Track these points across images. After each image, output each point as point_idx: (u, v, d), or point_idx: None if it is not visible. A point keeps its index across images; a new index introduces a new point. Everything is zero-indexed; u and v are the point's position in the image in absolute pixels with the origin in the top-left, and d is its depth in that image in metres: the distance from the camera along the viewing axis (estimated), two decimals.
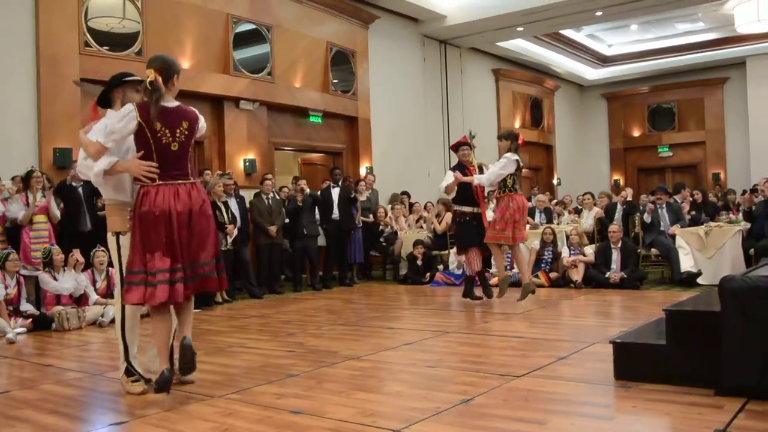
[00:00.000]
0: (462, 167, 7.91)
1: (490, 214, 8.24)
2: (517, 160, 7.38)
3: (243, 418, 3.51)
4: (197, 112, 4.16)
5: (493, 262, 7.98)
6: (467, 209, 7.88)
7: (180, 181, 3.91)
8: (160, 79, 3.90)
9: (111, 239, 4.14)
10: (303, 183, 10.34)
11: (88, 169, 3.98)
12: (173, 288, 3.82)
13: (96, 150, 3.87)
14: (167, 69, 3.98)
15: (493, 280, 9.61)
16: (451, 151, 8.27)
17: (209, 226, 4.03)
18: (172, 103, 3.98)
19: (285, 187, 10.80)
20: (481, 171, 7.91)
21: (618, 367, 3.94)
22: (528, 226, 11.13)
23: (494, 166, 7.52)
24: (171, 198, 3.84)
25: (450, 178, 7.78)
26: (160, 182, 3.85)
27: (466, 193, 7.83)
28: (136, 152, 3.92)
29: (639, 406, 3.47)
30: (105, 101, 4.24)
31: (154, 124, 3.83)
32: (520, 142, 7.55)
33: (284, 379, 4.38)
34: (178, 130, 3.93)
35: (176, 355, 3.95)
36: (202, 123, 4.18)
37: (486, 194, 8.09)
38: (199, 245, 3.95)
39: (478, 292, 8.01)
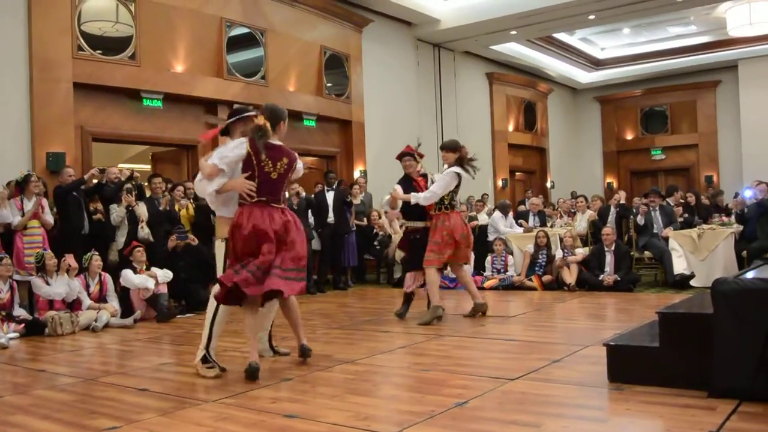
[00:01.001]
0: (409, 179, 7.30)
1: None
2: (458, 174, 6.84)
3: (237, 423, 3.51)
4: (296, 155, 5.02)
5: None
6: (419, 224, 7.15)
7: (273, 205, 4.73)
8: (268, 124, 4.77)
9: (220, 245, 4.94)
10: (299, 187, 10.33)
11: (202, 189, 4.86)
12: (258, 286, 4.52)
13: (210, 171, 4.70)
14: (274, 117, 4.87)
15: (488, 283, 9.64)
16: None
17: (296, 240, 4.73)
18: (276, 141, 4.85)
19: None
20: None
21: (612, 369, 3.95)
22: (522, 229, 11.19)
23: (434, 184, 6.91)
24: (266, 217, 4.61)
25: (389, 194, 7.25)
26: (259, 201, 4.66)
27: (416, 207, 7.06)
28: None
29: (632, 408, 3.48)
30: (226, 130, 5.16)
31: (261, 155, 4.68)
32: (463, 153, 6.95)
33: (278, 383, 4.38)
34: (278, 163, 4.78)
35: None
36: (300, 165, 5.04)
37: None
38: (291, 256, 4.66)
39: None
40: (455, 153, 6.95)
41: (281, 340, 6.09)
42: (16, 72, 8.65)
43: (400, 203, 7.19)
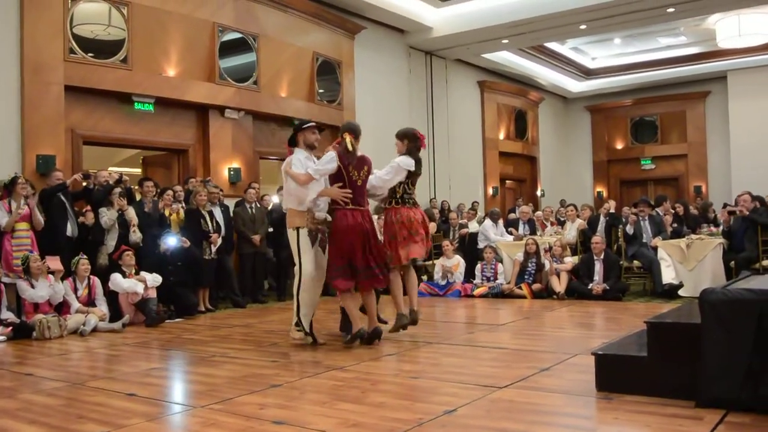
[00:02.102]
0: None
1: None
2: (408, 167, 6.13)
3: (225, 429, 3.50)
4: (370, 159, 5.96)
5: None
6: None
7: (363, 207, 5.77)
8: (352, 139, 5.79)
9: (292, 233, 5.78)
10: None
11: (302, 196, 5.70)
12: (360, 280, 5.74)
13: (305, 180, 5.61)
14: (357, 133, 5.92)
15: (478, 291, 9.65)
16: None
17: (377, 240, 5.89)
18: (359, 153, 5.85)
19: (266, 195, 10.75)
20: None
21: (600, 378, 3.96)
22: (512, 237, 11.21)
23: (381, 171, 6.20)
24: (360, 218, 5.67)
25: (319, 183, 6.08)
26: (352, 207, 5.68)
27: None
28: (328, 184, 5.75)
29: (620, 417, 3.49)
30: (292, 143, 5.96)
31: (348, 166, 5.68)
32: (421, 144, 6.37)
33: (267, 390, 4.36)
34: (361, 172, 5.78)
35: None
36: (372, 167, 6.01)
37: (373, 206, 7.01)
38: (375, 252, 5.78)
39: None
40: (406, 142, 6.29)
41: (270, 345, 6.08)
42: (7, 74, 8.61)
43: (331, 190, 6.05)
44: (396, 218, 6.06)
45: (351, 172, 5.68)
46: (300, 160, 5.76)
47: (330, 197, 5.73)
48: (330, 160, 5.65)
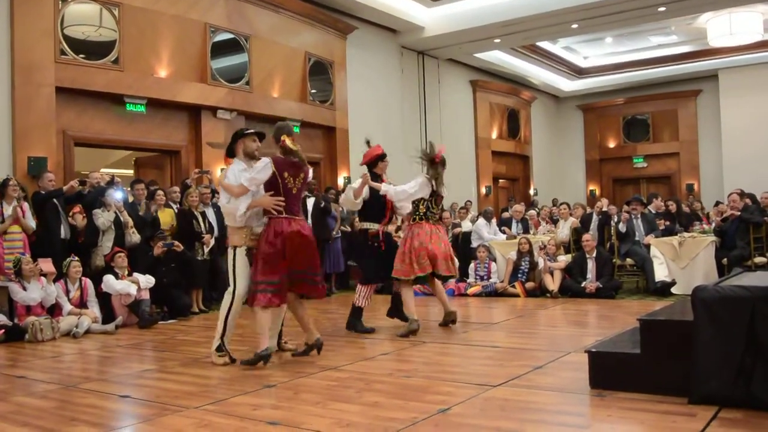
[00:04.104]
0: (377, 178, 6.78)
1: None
2: (431, 185, 6.60)
3: (219, 430, 3.49)
4: (308, 166, 5.55)
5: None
6: (375, 227, 6.72)
7: (298, 217, 5.31)
8: (293, 140, 5.37)
9: (230, 252, 5.36)
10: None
11: (233, 209, 5.20)
12: (297, 284, 5.28)
13: (239, 192, 5.15)
14: (292, 133, 5.49)
15: (472, 290, 9.66)
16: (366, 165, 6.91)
17: (316, 249, 5.50)
18: (293, 158, 5.35)
19: None
20: None
21: (593, 376, 3.97)
22: (505, 236, 11.23)
23: (408, 183, 6.63)
24: (296, 228, 5.20)
25: (357, 183, 6.73)
26: (285, 215, 5.19)
27: (379, 206, 6.73)
28: (264, 192, 5.22)
29: (614, 414, 3.50)
30: (230, 153, 5.53)
31: (284, 173, 5.21)
32: (438, 157, 6.74)
33: (261, 390, 4.36)
34: (297, 179, 5.32)
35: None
36: (310, 173, 5.62)
37: (394, 218, 7.15)
38: (313, 261, 5.38)
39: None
40: (427, 163, 6.76)
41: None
42: None
43: (366, 192, 6.63)
44: (417, 232, 6.54)
45: (286, 179, 5.23)
46: (235, 172, 5.27)
47: (262, 207, 5.24)
48: (264, 167, 5.17)
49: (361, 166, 6.98)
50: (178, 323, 8.01)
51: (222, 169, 5.17)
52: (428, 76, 16.49)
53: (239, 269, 5.28)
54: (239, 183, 5.15)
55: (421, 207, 6.65)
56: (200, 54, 10.86)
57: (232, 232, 5.38)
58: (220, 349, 5.28)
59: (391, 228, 7.08)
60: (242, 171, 5.26)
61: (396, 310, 6.99)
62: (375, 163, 6.81)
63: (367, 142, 7.01)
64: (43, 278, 7.40)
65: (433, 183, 6.65)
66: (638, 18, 15.11)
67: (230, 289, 5.33)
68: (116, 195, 8.32)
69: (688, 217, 11.88)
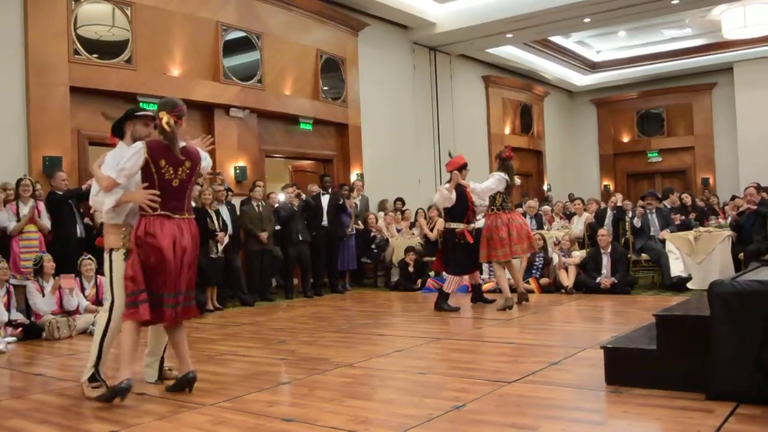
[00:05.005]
0: (459, 187, 7.85)
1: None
2: (506, 180, 7.87)
3: (235, 427, 3.50)
4: (200, 151, 4.55)
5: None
6: (462, 226, 7.83)
7: (177, 216, 4.29)
8: (173, 122, 4.27)
9: (106, 255, 4.45)
10: (294, 190, 10.34)
11: (99, 204, 4.38)
12: (162, 311, 4.19)
13: (107, 185, 4.24)
14: (177, 110, 4.32)
15: (486, 286, 9.65)
16: (450, 172, 7.99)
17: (196, 260, 4.43)
18: (179, 143, 4.35)
19: (272, 193, 10.74)
20: None
21: (609, 372, 3.95)
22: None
23: (487, 181, 7.93)
24: (176, 230, 4.24)
25: (446, 184, 7.89)
26: (161, 213, 4.21)
27: (462, 207, 7.84)
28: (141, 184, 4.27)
29: (630, 411, 3.48)
30: (119, 132, 4.58)
31: (160, 161, 4.22)
32: (508, 154, 8.12)
33: (276, 387, 4.37)
34: (180, 169, 4.31)
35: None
36: (206, 162, 4.60)
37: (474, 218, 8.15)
38: (188, 276, 4.34)
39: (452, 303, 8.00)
40: (498, 161, 8.15)
41: (279, 343, 6.09)
42: (12, 76, 8.64)
43: (454, 196, 7.73)
44: (497, 222, 7.81)
45: (163, 168, 4.22)
46: (114, 159, 4.35)
47: (134, 202, 4.27)
48: (133, 155, 4.19)
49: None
50: (192, 321, 8.03)
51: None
52: (440, 72, 16.44)
53: (117, 277, 4.32)
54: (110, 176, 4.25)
55: (497, 199, 7.90)
56: (212, 52, 10.88)
57: (107, 231, 4.45)
58: (94, 378, 4.32)
59: (470, 227, 7.97)
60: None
61: (478, 297, 8.35)
62: (459, 171, 7.91)
63: (449, 154, 8.43)
64: (65, 290, 7.43)
65: (508, 178, 7.90)
66: (651, 11, 14.98)
67: (106, 304, 4.41)
68: None
69: (704, 211, 11.80)
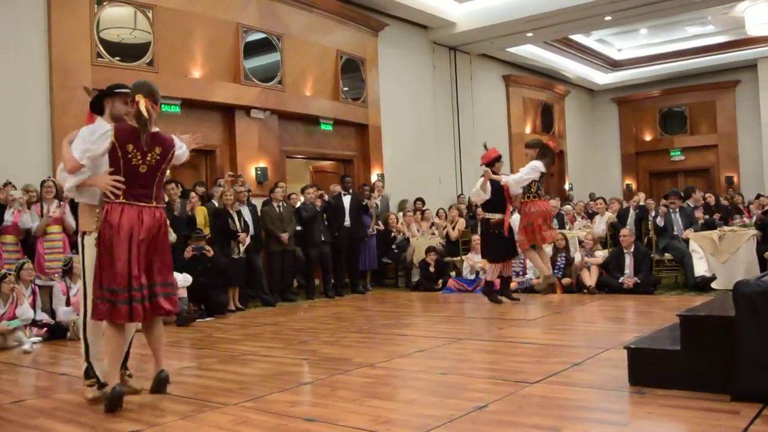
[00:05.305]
0: (492, 181, 8.25)
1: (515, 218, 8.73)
2: (541, 169, 8.07)
3: (257, 426, 3.52)
4: (175, 139, 4.36)
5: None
6: (498, 217, 8.27)
7: (143, 203, 4.08)
8: (149, 105, 4.07)
9: (79, 239, 4.30)
10: (315, 191, 10.35)
11: (64, 180, 4.21)
12: (132, 307, 3.99)
13: (71, 167, 4.05)
14: (154, 96, 4.15)
15: (534, 281, 9.62)
16: (485, 166, 8.38)
17: (168, 250, 4.22)
18: (151, 129, 4.15)
19: (294, 194, 10.77)
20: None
21: (633, 372, 3.91)
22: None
23: (521, 171, 8.20)
24: (134, 219, 4.01)
25: (481, 180, 8.20)
26: (123, 201, 4.01)
27: (497, 199, 8.23)
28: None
29: (654, 412, 3.44)
30: (98, 108, 4.38)
31: (127, 146, 4.02)
32: (552, 145, 8.47)
33: (297, 387, 4.38)
34: (149, 155, 4.11)
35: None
36: (181, 151, 4.40)
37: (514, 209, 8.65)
38: (158, 267, 4.13)
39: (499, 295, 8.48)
40: (537, 149, 8.21)
41: (300, 343, 6.11)
42: (37, 78, 8.76)
43: (486, 195, 8.17)
44: (535, 209, 8.06)
45: (130, 153, 4.03)
46: (85, 137, 4.12)
47: (97, 187, 4.12)
48: (100, 137, 4.05)
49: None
50: (215, 321, 8.10)
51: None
52: (460, 71, 16.41)
53: (89, 265, 4.14)
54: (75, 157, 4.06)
55: (533, 187, 8.09)
56: (233, 54, 10.94)
57: (81, 211, 4.29)
58: (88, 374, 4.22)
59: (509, 218, 8.40)
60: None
61: (503, 291, 8.54)
62: (492, 163, 8.35)
63: (484, 146, 8.57)
64: None
65: (544, 166, 8.11)
66: (674, 8, 14.85)
67: (83, 299, 4.25)
68: None
69: (728, 210, 11.66)
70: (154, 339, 4.28)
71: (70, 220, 7.91)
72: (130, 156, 4.04)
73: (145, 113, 4.04)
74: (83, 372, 4.27)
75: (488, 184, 8.15)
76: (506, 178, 8.22)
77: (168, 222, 4.29)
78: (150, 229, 4.07)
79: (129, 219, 4.00)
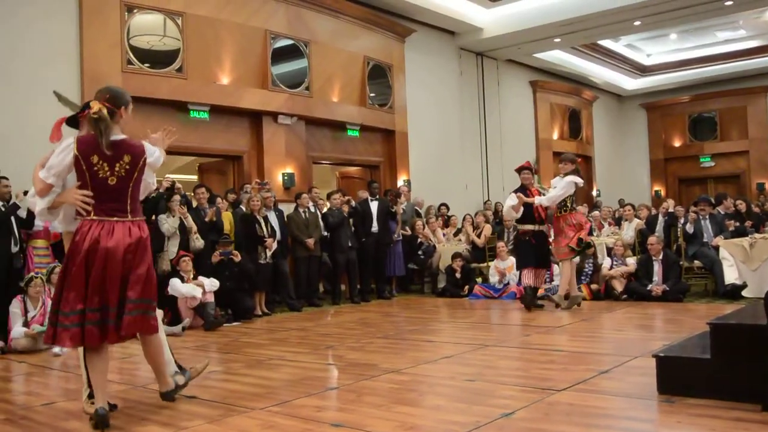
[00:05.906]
0: (523, 189, 8.44)
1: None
2: (575, 182, 8.15)
3: (284, 431, 3.53)
4: (146, 146, 4.06)
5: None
6: (528, 227, 8.37)
7: (117, 218, 3.76)
8: (105, 110, 3.81)
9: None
10: (341, 196, 10.38)
11: (33, 206, 3.92)
12: (84, 329, 3.62)
13: (40, 189, 3.76)
14: (114, 99, 3.90)
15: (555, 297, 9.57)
16: (515, 172, 8.78)
17: (144, 265, 3.81)
18: (117, 136, 3.88)
19: (321, 199, 10.81)
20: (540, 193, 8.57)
21: (661, 381, 3.87)
22: None
23: (555, 189, 8.31)
24: (105, 235, 3.68)
25: (513, 200, 8.34)
26: (95, 217, 3.71)
27: (527, 212, 8.36)
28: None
29: (683, 421, 3.40)
30: (74, 123, 4.16)
31: (91, 158, 3.72)
32: (578, 165, 8.57)
33: (324, 392, 4.40)
34: (117, 165, 3.80)
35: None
36: (154, 158, 4.08)
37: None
38: (132, 283, 3.74)
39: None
40: (572, 164, 8.34)
41: (326, 348, 6.12)
42: (69, 86, 8.87)
43: (517, 214, 8.42)
44: (568, 222, 8.21)
45: (95, 165, 3.72)
46: (57, 156, 3.79)
47: (67, 203, 3.80)
48: (63, 150, 3.76)
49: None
50: (242, 326, 8.15)
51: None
52: (487, 77, 16.38)
53: None
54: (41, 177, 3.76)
55: (567, 200, 8.22)
56: (261, 60, 11.03)
57: (64, 239, 4.01)
58: (92, 396, 3.94)
59: (541, 228, 8.51)
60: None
61: (532, 298, 8.43)
62: (519, 173, 8.61)
63: (535, 163, 8.84)
64: None
65: (580, 181, 8.24)
66: (704, 13, 14.70)
67: None
68: None
69: (759, 217, 11.49)
70: (149, 358, 4.05)
71: None
72: (96, 168, 3.73)
73: (93, 116, 3.77)
74: (86, 396, 4.05)
75: (521, 206, 8.31)
76: (539, 200, 8.30)
77: (150, 237, 3.97)
78: (122, 246, 3.70)
79: (92, 237, 3.65)
